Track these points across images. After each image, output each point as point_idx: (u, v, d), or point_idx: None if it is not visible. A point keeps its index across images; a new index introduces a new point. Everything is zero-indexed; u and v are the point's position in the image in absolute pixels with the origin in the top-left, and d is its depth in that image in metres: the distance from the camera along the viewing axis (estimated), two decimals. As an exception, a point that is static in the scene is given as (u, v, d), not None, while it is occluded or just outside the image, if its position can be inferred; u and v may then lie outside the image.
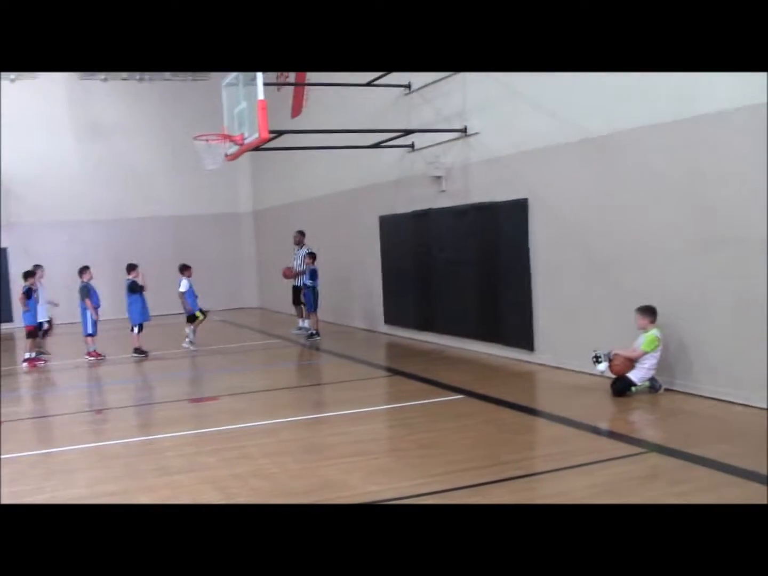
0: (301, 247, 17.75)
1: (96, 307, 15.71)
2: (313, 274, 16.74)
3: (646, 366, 9.68)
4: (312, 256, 16.89)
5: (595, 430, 8.60)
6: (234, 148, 13.85)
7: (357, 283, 18.47)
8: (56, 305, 16.89)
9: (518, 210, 12.21)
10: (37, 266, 16.68)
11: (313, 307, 16.89)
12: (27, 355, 15.41)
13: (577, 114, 10.97)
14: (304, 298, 17.17)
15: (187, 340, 16.35)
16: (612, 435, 8.40)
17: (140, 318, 15.82)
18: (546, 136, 11.62)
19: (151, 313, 16.29)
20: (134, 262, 16.30)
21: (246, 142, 13.14)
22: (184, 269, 16.39)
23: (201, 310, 16.39)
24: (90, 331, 15.65)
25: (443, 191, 14.39)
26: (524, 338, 12.42)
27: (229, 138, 13.59)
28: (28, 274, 15.83)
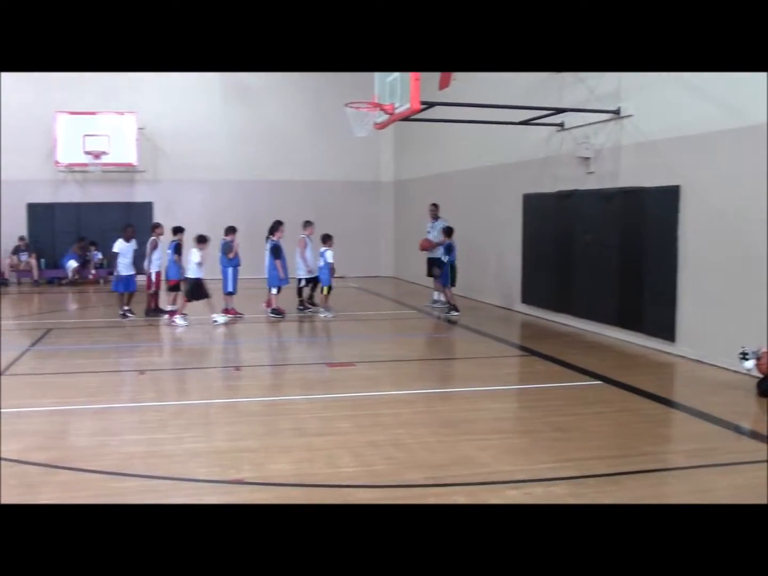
0: (436, 220, 17.75)
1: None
2: (449, 249, 16.61)
3: (797, 367, 9.30)
4: (447, 231, 16.72)
5: (738, 430, 8.33)
6: (383, 117, 13.91)
7: (494, 259, 18.33)
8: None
9: (669, 197, 11.85)
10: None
11: (448, 281, 16.78)
12: (169, 308, 15.85)
13: (740, 100, 10.52)
14: (440, 272, 17.09)
15: (322, 309, 16.39)
16: (756, 436, 8.07)
17: (279, 281, 16.10)
18: (704, 121, 11.20)
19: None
20: (277, 222, 16.51)
21: (396, 111, 13.19)
22: (327, 239, 16.26)
23: (330, 287, 16.29)
24: (231, 289, 16.12)
25: (591, 173, 14.11)
26: (666, 328, 12.09)
27: (379, 107, 13.66)
28: (177, 230, 16.10)
